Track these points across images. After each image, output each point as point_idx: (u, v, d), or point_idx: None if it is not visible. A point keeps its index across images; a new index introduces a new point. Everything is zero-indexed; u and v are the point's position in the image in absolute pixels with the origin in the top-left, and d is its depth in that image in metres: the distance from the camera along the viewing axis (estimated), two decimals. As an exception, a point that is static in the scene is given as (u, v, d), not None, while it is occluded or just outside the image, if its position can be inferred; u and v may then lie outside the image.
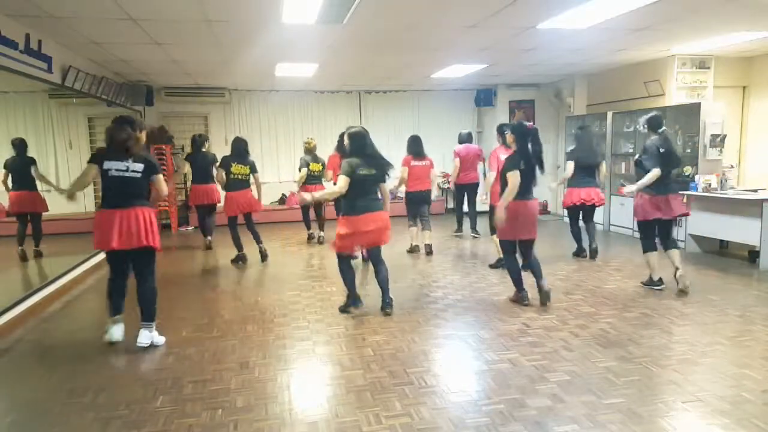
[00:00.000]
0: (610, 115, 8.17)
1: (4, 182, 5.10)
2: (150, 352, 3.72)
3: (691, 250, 6.53)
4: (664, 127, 5.01)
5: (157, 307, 3.87)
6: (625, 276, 5.50)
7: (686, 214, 5.12)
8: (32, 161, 5.33)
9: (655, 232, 4.98)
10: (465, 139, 7.77)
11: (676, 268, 4.83)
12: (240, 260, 6.57)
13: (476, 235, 8.01)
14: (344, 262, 4.45)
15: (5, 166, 5.10)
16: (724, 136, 6.63)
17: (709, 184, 6.21)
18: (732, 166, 7.12)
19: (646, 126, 5.13)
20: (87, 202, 6.78)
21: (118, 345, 3.88)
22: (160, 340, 3.87)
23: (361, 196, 4.25)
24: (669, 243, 4.94)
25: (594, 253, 6.30)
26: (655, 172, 4.78)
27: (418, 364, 3.40)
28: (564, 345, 3.67)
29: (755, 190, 6.11)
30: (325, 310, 4.59)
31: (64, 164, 6.19)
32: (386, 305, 4.44)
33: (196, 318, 4.42)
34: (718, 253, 6.51)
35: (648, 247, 4.98)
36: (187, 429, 2.68)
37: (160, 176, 3.80)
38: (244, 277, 6.03)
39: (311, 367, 3.46)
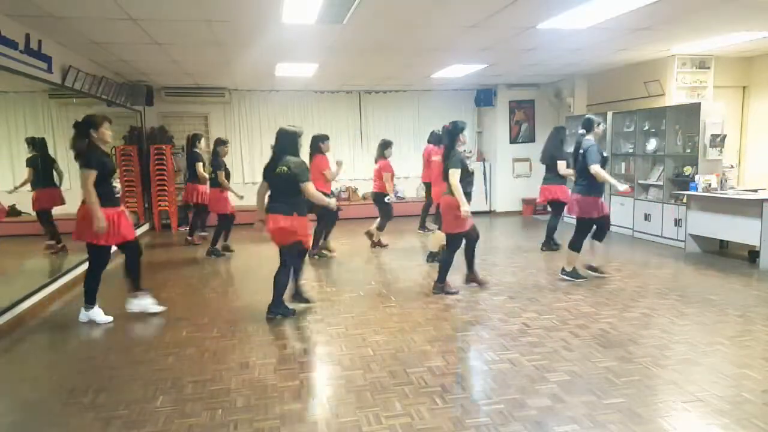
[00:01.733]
0: (610, 115, 8.16)
1: (31, 181, 5.14)
2: (150, 352, 3.72)
3: (691, 250, 6.53)
4: (582, 130, 5.33)
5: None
6: (625, 276, 5.50)
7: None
8: (53, 160, 5.40)
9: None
10: (432, 139, 7.71)
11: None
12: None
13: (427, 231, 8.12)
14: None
15: (30, 164, 5.13)
16: (724, 136, 6.63)
17: (709, 184, 6.21)
18: (732, 166, 7.13)
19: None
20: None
21: (119, 345, 3.88)
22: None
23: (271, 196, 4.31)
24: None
25: (543, 246, 6.90)
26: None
27: (418, 364, 3.40)
28: (564, 345, 3.67)
29: (755, 190, 6.12)
30: (325, 310, 4.59)
31: (64, 164, 6.18)
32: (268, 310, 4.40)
33: (196, 318, 4.42)
34: (718, 253, 6.51)
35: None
36: (187, 429, 2.68)
37: (86, 170, 3.96)
38: (245, 278, 6.03)
39: (311, 367, 3.46)
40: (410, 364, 3.41)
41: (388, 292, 5.07)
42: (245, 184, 9.67)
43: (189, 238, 7.75)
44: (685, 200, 6.59)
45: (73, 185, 6.38)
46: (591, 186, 5.14)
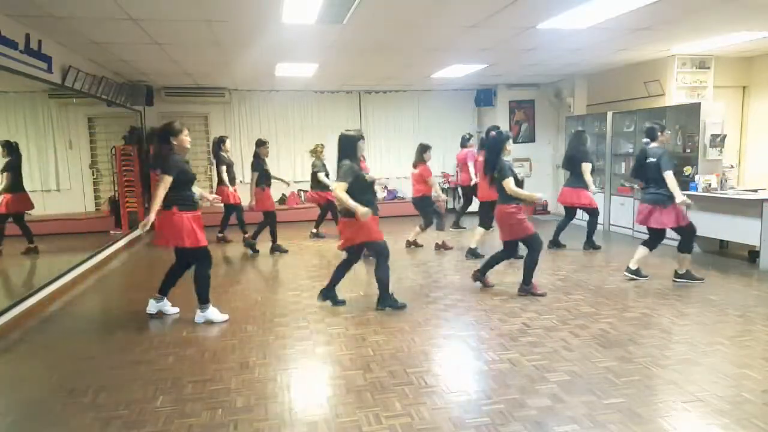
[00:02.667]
0: (610, 115, 8.16)
1: (10, 185, 5.09)
2: (150, 352, 3.72)
3: (691, 250, 6.53)
4: (646, 139, 5.31)
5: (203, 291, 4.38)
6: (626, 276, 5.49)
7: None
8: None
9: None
10: (464, 143, 8.07)
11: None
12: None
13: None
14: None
15: (9, 169, 5.08)
16: (724, 136, 6.62)
17: (709, 184, 6.20)
18: (732, 166, 7.12)
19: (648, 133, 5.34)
20: (87, 202, 6.80)
21: (119, 345, 3.88)
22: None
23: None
24: None
25: (550, 244, 6.90)
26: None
27: (418, 364, 3.40)
28: (564, 345, 3.67)
29: (755, 190, 6.11)
30: (325, 310, 4.59)
31: (64, 164, 6.19)
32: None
33: (196, 318, 4.42)
34: (718, 253, 6.51)
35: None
36: (187, 429, 2.68)
37: (163, 175, 3.99)
38: (245, 277, 6.03)
39: (311, 367, 3.46)
40: (410, 364, 3.41)
41: (388, 292, 5.07)
42: (245, 184, 9.67)
43: (246, 235, 7.50)
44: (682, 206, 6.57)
45: (73, 185, 6.40)
46: (666, 194, 4.98)
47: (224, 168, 7.38)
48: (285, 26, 5.05)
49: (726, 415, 2.69)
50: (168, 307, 4.56)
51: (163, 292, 4.52)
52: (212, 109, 9.88)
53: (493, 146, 4.93)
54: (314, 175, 7.58)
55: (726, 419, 2.65)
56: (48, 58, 5.31)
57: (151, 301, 4.51)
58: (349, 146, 4.43)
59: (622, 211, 7.92)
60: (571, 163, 6.81)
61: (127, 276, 6.23)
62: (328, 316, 4.42)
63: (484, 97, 10.49)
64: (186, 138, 4.20)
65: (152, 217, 4.00)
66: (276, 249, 7.11)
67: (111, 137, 8.03)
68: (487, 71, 8.30)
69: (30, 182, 5.58)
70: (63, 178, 6.10)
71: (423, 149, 6.90)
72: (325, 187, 7.37)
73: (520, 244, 5.10)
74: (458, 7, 4.65)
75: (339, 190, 4.24)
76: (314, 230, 8.21)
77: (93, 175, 7.34)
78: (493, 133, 5.00)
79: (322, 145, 7.89)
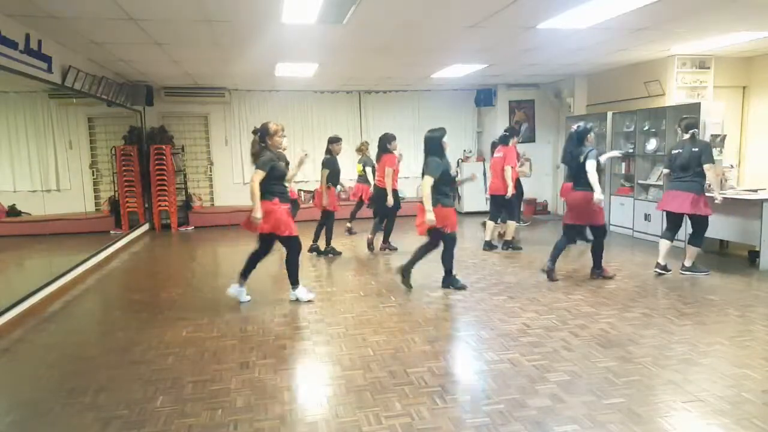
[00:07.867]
0: (610, 115, 8.16)
1: None
2: (150, 352, 3.72)
3: (691, 250, 6.52)
4: (695, 129, 5.50)
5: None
6: (625, 276, 5.50)
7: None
8: None
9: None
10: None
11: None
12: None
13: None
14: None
15: None
16: (724, 136, 6.62)
17: (709, 184, 6.18)
18: (732, 166, 7.12)
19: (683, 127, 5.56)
20: (87, 202, 6.80)
21: (119, 344, 3.88)
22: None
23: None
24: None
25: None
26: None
27: (418, 364, 3.40)
28: (564, 345, 3.67)
29: (755, 190, 6.11)
30: (325, 310, 4.59)
31: (64, 164, 6.19)
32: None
33: (196, 318, 4.42)
34: (718, 253, 6.51)
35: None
36: (187, 429, 2.68)
37: (256, 170, 4.40)
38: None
39: (311, 367, 3.46)
40: (410, 364, 3.41)
41: (388, 292, 5.07)
42: (245, 185, 9.67)
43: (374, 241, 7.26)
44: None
45: (73, 185, 6.40)
46: (703, 184, 5.32)
47: (326, 172, 6.79)
48: (285, 26, 5.05)
49: (726, 415, 2.69)
50: (243, 294, 4.82)
51: (245, 276, 4.79)
52: (212, 109, 9.87)
53: (576, 137, 5.26)
54: (369, 170, 7.67)
55: (726, 419, 2.65)
56: (48, 58, 5.31)
57: (233, 285, 4.82)
58: (434, 144, 4.86)
59: (621, 211, 7.92)
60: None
61: (127, 276, 6.23)
62: (328, 316, 4.42)
63: (484, 97, 10.49)
64: (279, 139, 4.60)
65: (259, 209, 4.35)
66: (329, 251, 6.83)
67: (111, 137, 8.03)
68: (487, 71, 8.30)
69: (30, 182, 5.59)
70: (63, 178, 6.10)
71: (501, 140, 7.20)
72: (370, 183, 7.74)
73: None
74: (458, 7, 4.65)
75: (426, 184, 4.71)
76: (348, 225, 8.40)
77: (93, 175, 7.35)
78: (574, 127, 5.34)
79: (366, 143, 8.08)
